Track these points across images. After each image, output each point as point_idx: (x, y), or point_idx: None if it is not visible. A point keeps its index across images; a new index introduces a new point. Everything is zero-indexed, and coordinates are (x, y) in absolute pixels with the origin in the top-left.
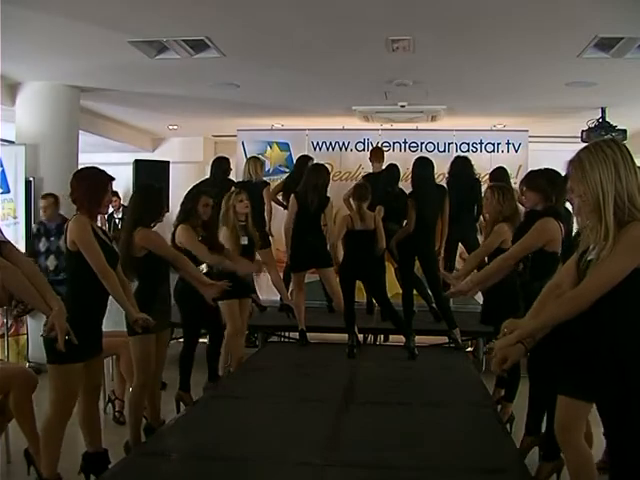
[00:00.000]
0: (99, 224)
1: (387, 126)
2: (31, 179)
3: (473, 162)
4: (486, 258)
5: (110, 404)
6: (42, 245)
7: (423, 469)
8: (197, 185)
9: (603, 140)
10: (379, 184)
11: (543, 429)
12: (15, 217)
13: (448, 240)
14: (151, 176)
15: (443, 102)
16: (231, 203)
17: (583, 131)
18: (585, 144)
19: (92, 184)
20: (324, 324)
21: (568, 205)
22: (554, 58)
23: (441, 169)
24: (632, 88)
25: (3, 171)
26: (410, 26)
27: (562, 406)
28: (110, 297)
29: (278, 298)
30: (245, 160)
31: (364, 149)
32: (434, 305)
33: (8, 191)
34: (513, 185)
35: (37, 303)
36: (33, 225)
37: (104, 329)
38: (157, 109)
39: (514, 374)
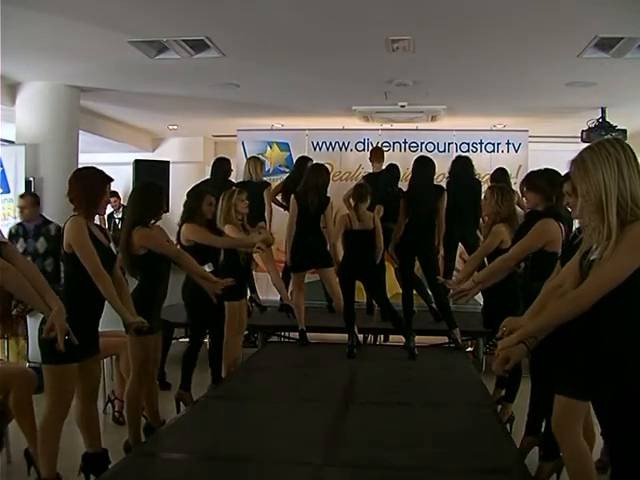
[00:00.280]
0: (98, 222)
1: (387, 126)
2: (31, 179)
3: (473, 162)
4: (485, 259)
5: (110, 404)
6: (20, 246)
7: (423, 469)
8: (198, 185)
9: (606, 139)
10: (379, 184)
11: (543, 429)
12: (15, 217)
13: (448, 239)
14: (151, 176)
15: (443, 102)
16: (233, 202)
17: (583, 131)
18: (585, 144)
19: (90, 184)
20: (324, 324)
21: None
22: (554, 58)
23: (441, 169)
24: (632, 88)
25: (3, 171)
26: (410, 26)
27: (559, 406)
28: None
29: (278, 298)
30: (245, 160)
31: (364, 149)
32: (434, 305)
33: (8, 191)
34: (513, 186)
35: (37, 303)
36: (11, 226)
37: (103, 329)
38: (157, 109)
39: (515, 374)
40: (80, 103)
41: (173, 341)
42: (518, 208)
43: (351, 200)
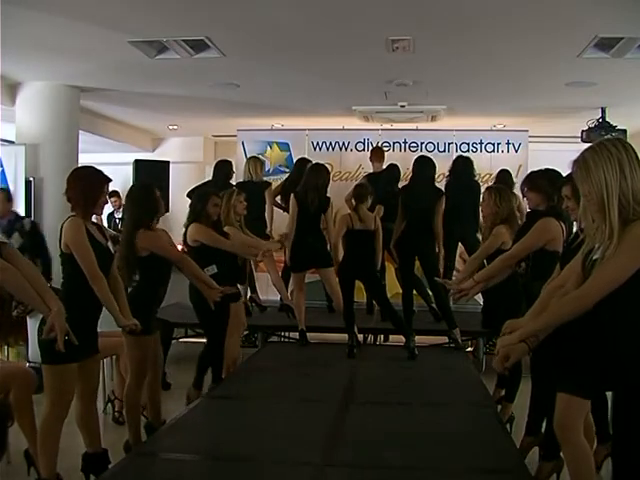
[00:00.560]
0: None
1: (387, 126)
2: (31, 179)
3: (473, 162)
4: (485, 260)
5: (110, 404)
6: None
7: (423, 469)
8: (200, 187)
9: (608, 139)
10: (379, 184)
11: (543, 429)
12: None
13: (448, 239)
14: (151, 176)
15: (443, 102)
16: (232, 203)
17: (583, 131)
18: (585, 144)
19: (89, 184)
20: (324, 324)
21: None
22: (554, 58)
23: (441, 169)
24: (632, 88)
25: (3, 171)
26: (410, 26)
27: (561, 404)
28: None
29: (278, 298)
30: (245, 160)
31: (364, 149)
32: (434, 305)
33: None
34: (516, 187)
35: (36, 304)
36: None
37: (103, 329)
38: (157, 109)
39: (515, 374)
40: (80, 103)
41: (173, 341)
42: (518, 213)
43: (352, 201)
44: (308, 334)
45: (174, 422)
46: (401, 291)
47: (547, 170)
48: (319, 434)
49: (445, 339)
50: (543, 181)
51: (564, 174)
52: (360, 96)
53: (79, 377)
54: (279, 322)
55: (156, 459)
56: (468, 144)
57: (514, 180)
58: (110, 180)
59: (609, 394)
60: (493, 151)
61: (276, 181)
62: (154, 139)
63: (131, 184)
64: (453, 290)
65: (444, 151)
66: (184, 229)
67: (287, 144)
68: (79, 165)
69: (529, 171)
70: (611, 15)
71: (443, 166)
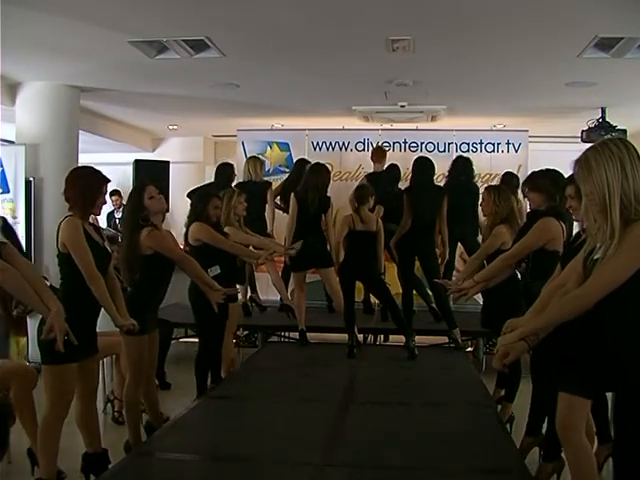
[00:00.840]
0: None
1: (387, 126)
2: (31, 179)
3: (473, 162)
4: (484, 261)
5: (109, 404)
6: None
7: (423, 469)
8: (201, 188)
9: (610, 139)
10: (380, 184)
11: (544, 430)
12: (15, 217)
13: (448, 239)
14: (151, 176)
15: (443, 102)
16: (233, 204)
17: (583, 131)
18: (585, 144)
19: (87, 184)
20: (324, 324)
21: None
22: (554, 58)
23: (441, 169)
24: (632, 88)
25: (3, 171)
26: (410, 26)
27: (563, 404)
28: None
29: (278, 298)
30: (245, 160)
31: (364, 149)
32: (434, 305)
33: (8, 191)
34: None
35: (36, 304)
36: None
37: (103, 329)
38: (157, 109)
39: (515, 374)
40: (80, 103)
41: (173, 341)
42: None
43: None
44: (308, 334)
45: (174, 422)
46: (401, 291)
47: (548, 170)
48: (319, 434)
49: (445, 339)
50: (545, 181)
51: (565, 174)
52: (360, 96)
53: (79, 377)
54: (279, 322)
55: (156, 459)
56: (468, 144)
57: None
58: (109, 180)
59: (609, 394)
60: (493, 151)
61: (276, 181)
62: (154, 139)
63: (132, 184)
64: (453, 291)
65: (444, 151)
66: (185, 229)
67: (287, 144)
68: (79, 165)
69: (529, 171)
70: (611, 15)
71: (443, 166)
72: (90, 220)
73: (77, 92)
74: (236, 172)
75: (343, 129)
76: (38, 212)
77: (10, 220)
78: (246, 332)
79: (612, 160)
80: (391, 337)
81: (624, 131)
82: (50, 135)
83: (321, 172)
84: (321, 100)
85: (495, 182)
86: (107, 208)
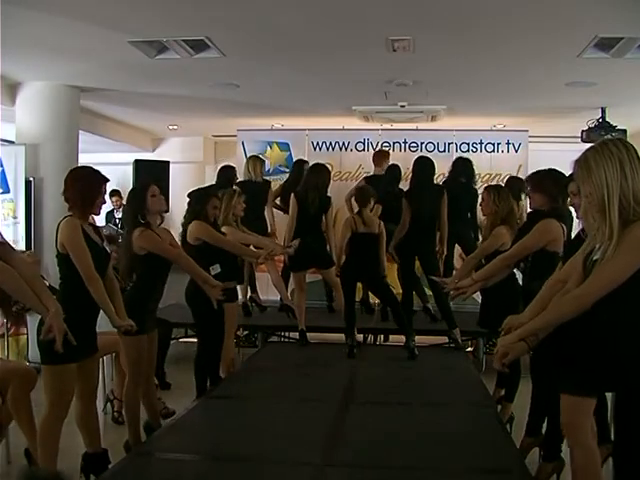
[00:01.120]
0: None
1: (387, 126)
2: (31, 179)
3: (474, 162)
4: (483, 261)
5: (109, 404)
6: None
7: (423, 469)
8: (201, 189)
9: (610, 139)
10: (380, 185)
11: (544, 430)
12: (15, 217)
13: (447, 239)
14: (151, 176)
15: (443, 102)
16: (233, 204)
17: (583, 131)
18: (585, 144)
19: (87, 185)
20: (324, 324)
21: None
22: (554, 58)
23: (441, 169)
24: (632, 88)
25: (3, 171)
26: (410, 26)
27: (567, 405)
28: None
29: (278, 298)
30: (245, 160)
31: (364, 149)
32: (429, 305)
33: (8, 191)
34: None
35: (34, 304)
36: None
37: (102, 328)
38: (157, 109)
39: (514, 374)
40: (80, 103)
41: (173, 341)
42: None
43: (354, 201)
44: (308, 334)
45: (174, 422)
46: (401, 291)
47: (551, 170)
48: (319, 434)
49: (445, 339)
50: (548, 181)
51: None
52: (360, 96)
53: (78, 377)
54: (279, 322)
55: (156, 459)
56: (468, 144)
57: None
58: (108, 180)
59: (609, 395)
60: (493, 151)
61: (276, 181)
62: (154, 139)
63: (132, 184)
64: (450, 288)
65: (444, 151)
66: (182, 228)
67: (287, 144)
68: (79, 165)
69: (529, 171)
70: (611, 15)
71: (443, 166)
72: (89, 220)
73: (77, 92)
74: (237, 175)
75: (343, 129)
76: (38, 212)
77: (10, 220)
78: (246, 332)
79: (611, 161)
80: (391, 337)
81: (624, 131)
82: (50, 135)
83: (321, 172)
84: (321, 100)
85: (495, 182)
86: (106, 208)
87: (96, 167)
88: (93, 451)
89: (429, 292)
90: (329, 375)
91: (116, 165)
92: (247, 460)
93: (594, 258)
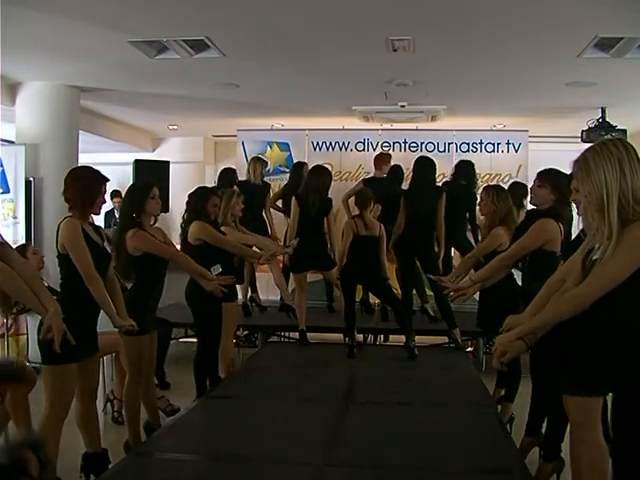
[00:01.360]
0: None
1: (387, 126)
2: (31, 179)
3: (474, 162)
4: (482, 260)
5: (109, 404)
6: None
7: (423, 469)
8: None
9: (609, 139)
10: (381, 187)
11: (544, 430)
12: (15, 217)
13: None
14: (151, 176)
15: (443, 102)
16: (232, 204)
17: (583, 131)
18: (585, 144)
19: (86, 184)
20: (324, 324)
21: (573, 206)
22: (554, 58)
23: (441, 169)
24: (632, 88)
25: (3, 171)
26: (410, 26)
27: (572, 405)
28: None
29: (278, 298)
30: (245, 160)
31: (364, 149)
32: (426, 306)
33: (8, 191)
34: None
35: (33, 305)
36: None
37: (103, 328)
38: (157, 109)
39: (515, 374)
40: (80, 103)
41: (172, 341)
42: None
43: (353, 202)
44: (308, 334)
45: (174, 422)
46: (401, 291)
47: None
48: (319, 434)
49: (445, 339)
50: (562, 180)
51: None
52: (360, 96)
53: (79, 377)
54: (279, 322)
55: (156, 459)
56: (468, 144)
57: (511, 178)
58: (108, 180)
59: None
60: (493, 151)
61: (276, 181)
62: (154, 139)
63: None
64: (449, 288)
65: (444, 151)
66: (181, 228)
67: (287, 144)
68: (79, 165)
69: (529, 171)
70: (611, 15)
71: (443, 166)
72: (90, 220)
73: (77, 92)
74: (238, 177)
75: (343, 129)
76: (38, 212)
77: (10, 220)
78: (246, 332)
79: (611, 160)
80: (391, 337)
81: (624, 131)
82: (50, 135)
83: (322, 174)
84: (321, 100)
85: (495, 182)
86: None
87: (96, 167)
88: (93, 451)
89: (430, 292)
90: (329, 375)
91: (116, 165)
92: (247, 460)
93: (593, 258)
